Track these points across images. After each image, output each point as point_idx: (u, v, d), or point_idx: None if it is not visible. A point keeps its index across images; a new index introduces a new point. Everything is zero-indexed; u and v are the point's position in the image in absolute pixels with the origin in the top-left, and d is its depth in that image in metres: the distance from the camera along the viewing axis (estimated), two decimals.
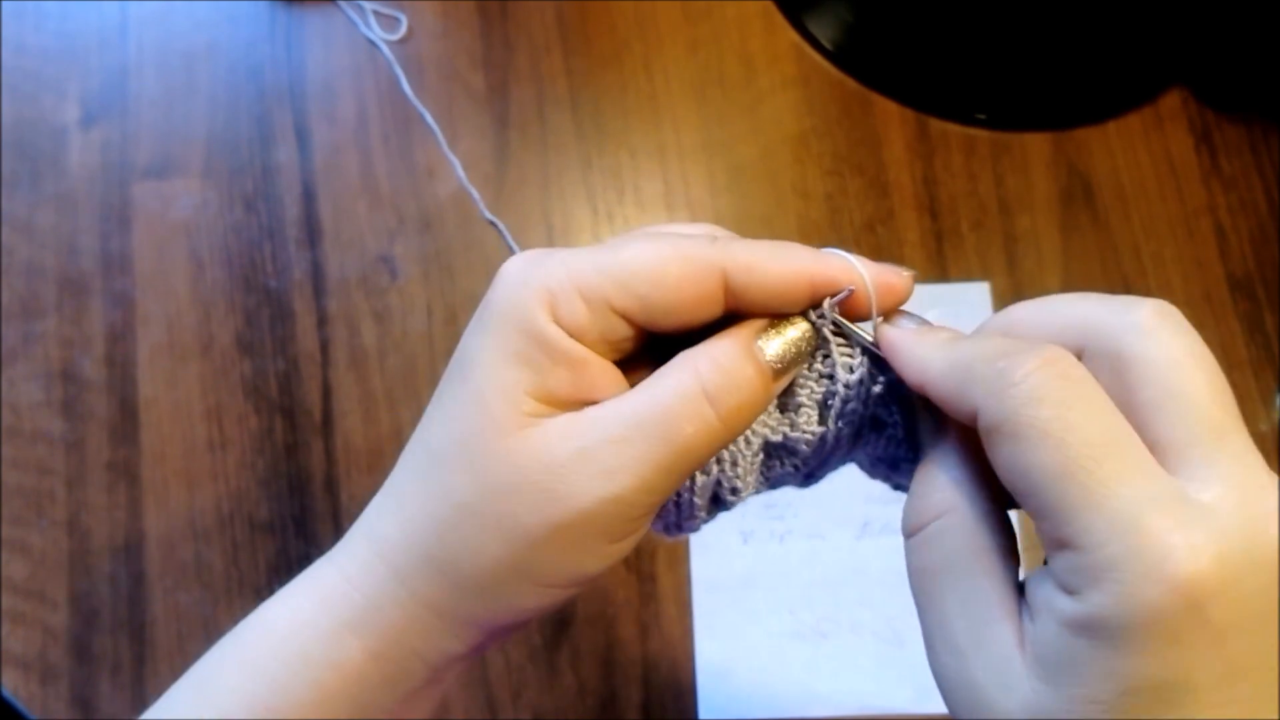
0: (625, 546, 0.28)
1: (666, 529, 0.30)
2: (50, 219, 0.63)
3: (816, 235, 0.63)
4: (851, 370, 0.28)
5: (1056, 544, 0.22)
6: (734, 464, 0.29)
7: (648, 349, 0.28)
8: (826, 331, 0.28)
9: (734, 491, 0.29)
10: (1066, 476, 0.22)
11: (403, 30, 0.66)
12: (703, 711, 0.55)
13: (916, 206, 0.64)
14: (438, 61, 0.66)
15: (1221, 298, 0.62)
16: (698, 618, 0.56)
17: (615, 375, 0.27)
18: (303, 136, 0.65)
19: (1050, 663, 0.22)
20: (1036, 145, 0.65)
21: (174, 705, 0.30)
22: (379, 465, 0.59)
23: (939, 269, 0.63)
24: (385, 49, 0.66)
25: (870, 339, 0.28)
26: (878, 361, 0.28)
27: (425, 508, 0.27)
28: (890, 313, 0.28)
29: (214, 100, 0.65)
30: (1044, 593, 0.23)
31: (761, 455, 0.30)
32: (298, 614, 0.28)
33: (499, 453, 0.26)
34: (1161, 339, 0.24)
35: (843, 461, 0.31)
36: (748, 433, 0.29)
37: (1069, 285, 0.62)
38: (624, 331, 0.26)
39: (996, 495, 0.25)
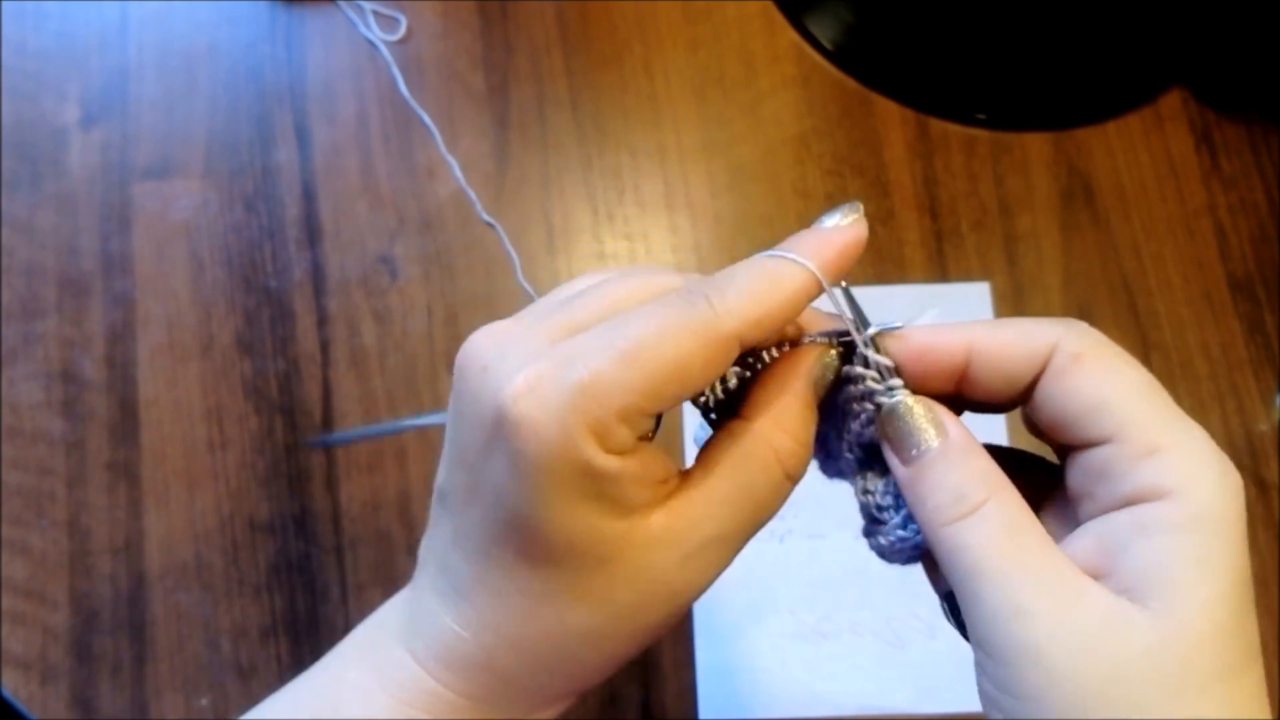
0: None
1: None
2: (50, 219, 0.63)
3: None
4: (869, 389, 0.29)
5: (1149, 448, 0.24)
6: None
7: None
8: (846, 347, 0.29)
9: None
10: (1154, 390, 0.25)
11: (402, 30, 0.66)
12: (703, 711, 0.55)
13: (916, 206, 0.64)
14: (437, 62, 0.66)
15: (1221, 298, 0.62)
16: (698, 618, 0.56)
17: (656, 453, 0.28)
18: (303, 137, 0.65)
19: (1167, 577, 0.23)
20: (1036, 145, 0.65)
21: None
22: (379, 465, 0.59)
23: (939, 269, 0.63)
24: (384, 49, 0.66)
25: (888, 363, 0.28)
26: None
27: (549, 641, 0.28)
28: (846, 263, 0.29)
29: (214, 100, 0.65)
30: (1125, 522, 0.25)
31: None
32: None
33: (613, 581, 0.27)
34: (1103, 340, 0.27)
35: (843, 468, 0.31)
36: None
37: (1069, 285, 0.62)
38: (654, 421, 0.27)
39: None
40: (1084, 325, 0.27)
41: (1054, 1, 0.67)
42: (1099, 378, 0.25)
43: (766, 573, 0.57)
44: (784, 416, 0.28)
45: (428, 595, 0.30)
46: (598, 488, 0.26)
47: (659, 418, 0.28)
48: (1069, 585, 0.24)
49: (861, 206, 0.29)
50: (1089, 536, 0.25)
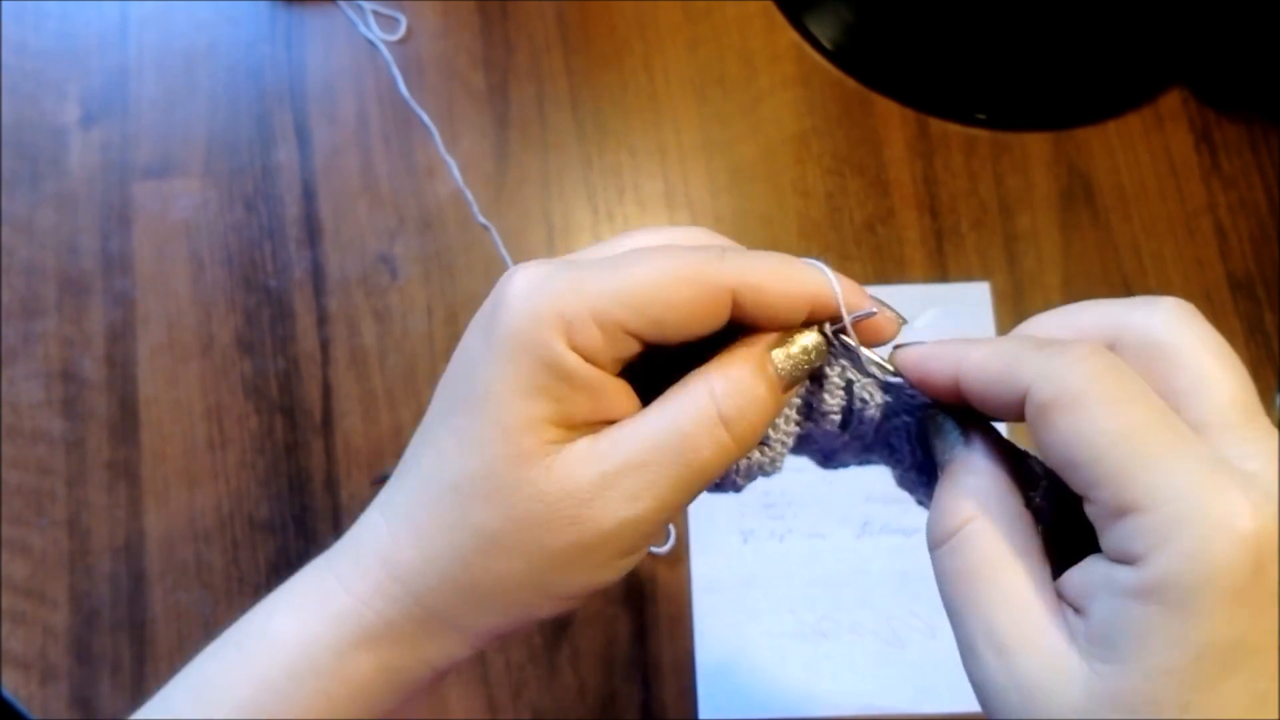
0: (638, 557, 0.29)
1: (709, 489, 0.32)
2: (50, 219, 0.63)
3: (817, 235, 0.63)
4: (870, 394, 0.29)
5: (1118, 510, 0.22)
6: (774, 457, 0.30)
7: (648, 354, 0.28)
8: (838, 344, 0.29)
9: (771, 468, 0.31)
10: (1129, 440, 0.23)
11: (402, 30, 0.66)
12: (703, 711, 0.55)
13: (917, 206, 0.64)
14: (437, 61, 0.66)
15: (1222, 297, 0.62)
16: (698, 618, 0.56)
17: (628, 392, 0.28)
18: (303, 136, 0.65)
19: (1114, 641, 0.22)
20: (1036, 145, 0.65)
21: (171, 710, 0.30)
22: (379, 465, 0.59)
23: (939, 268, 0.63)
24: (384, 49, 0.66)
25: (883, 362, 0.28)
26: (885, 385, 0.29)
27: (447, 537, 0.27)
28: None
29: (214, 100, 0.65)
30: (1098, 573, 0.23)
31: (794, 441, 0.31)
32: (304, 628, 0.29)
33: (524, 483, 0.26)
34: (1188, 330, 0.25)
35: (864, 459, 0.31)
36: (785, 426, 0.30)
37: (1069, 284, 0.62)
38: (634, 349, 0.27)
39: (1022, 502, 0.26)
40: (1071, 355, 0.24)
41: (1054, 1, 0.67)
42: (1065, 432, 0.23)
43: (766, 573, 0.57)
44: (728, 364, 0.27)
45: (372, 509, 0.30)
46: (549, 381, 0.26)
47: (644, 348, 0.27)
48: (1022, 630, 0.24)
49: (908, 322, 0.29)
50: (1080, 573, 0.24)
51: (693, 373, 0.27)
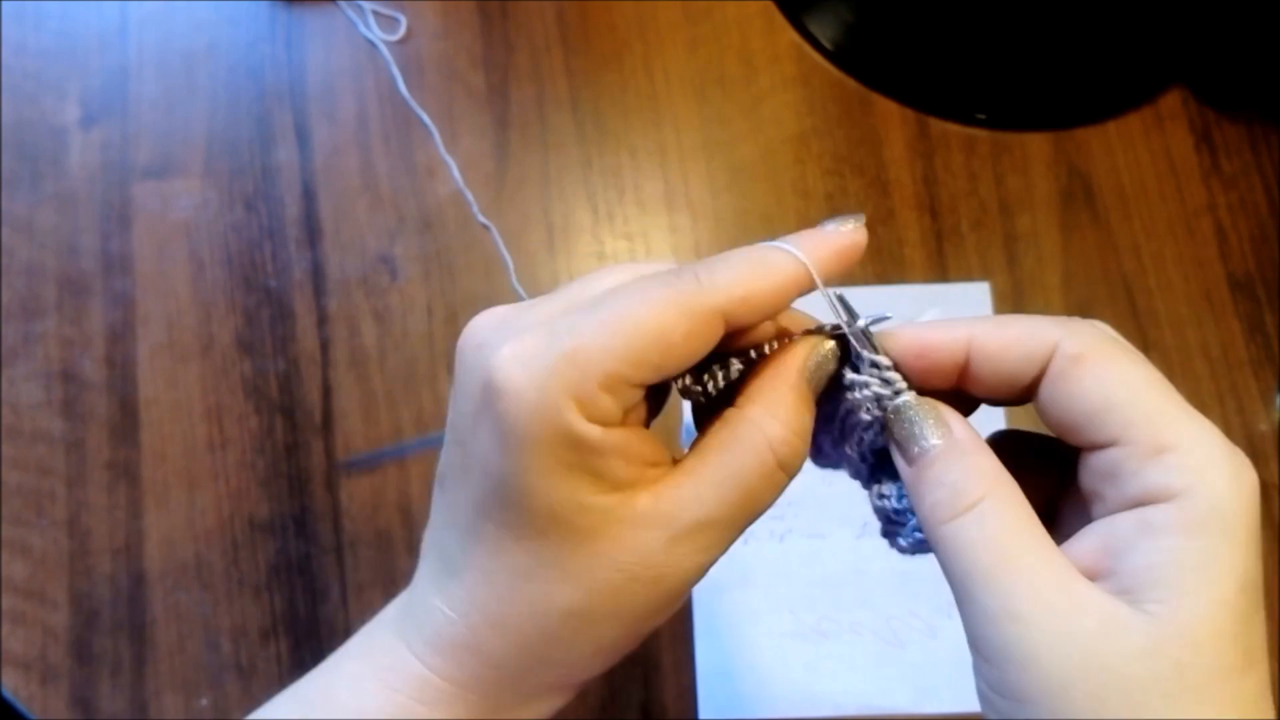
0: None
1: None
2: (50, 219, 0.63)
3: None
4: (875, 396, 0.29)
5: (1156, 449, 0.24)
6: None
7: None
8: (839, 341, 0.29)
9: None
10: (1161, 388, 0.25)
11: (402, 30, 0.66)
12: (703, 711, 0.55)
13: (917, 206, 0.64)
14: (437, 61, 0.66)
15: (1222, 297, 0.62)
16: (698, 618, 0.56)
17: (648, 436, 0.28)
18: (303, 136, 0.65)
19: (1168, 580, 0.23)
20: (1036, 145, 0.65)
21: None
22: (379, 466, 0.59)
23: (939, 269, 0.63)
24: (384, 49, 0.66)
25: (886, 361, 0.28)
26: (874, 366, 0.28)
27: (536, 624, 0.28)
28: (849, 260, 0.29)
29: (214, 100, 0.65)
30: (1126, 523, 0.24)
31: None
32: (406, 712, 0.29)
33: (597, 559, 0.27)
34: (1115, 338, 0.27)
35: (845, 459, 0.31)
36: None
37: (1069, 284, 0.62)
38: (639, 394, 0.27)
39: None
40: (1086, 324, 0.26)
41: (1054, 1, 0.67)
42: (1101, 379, 0.25)
43: (766, 573, 0.57)
44: (776, 405, 0.27)
45: (423, 582, 0.30)
46: (580, 458, 0.26)
47: (654, 401, 0.28)
48: (1063, 588, 0.24)
49: (864, 217, 0.29)
50: (1093, 537, 0.25)
51: (737, 410, 0.28)
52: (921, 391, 0.28)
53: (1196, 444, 0.24)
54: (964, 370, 0.27)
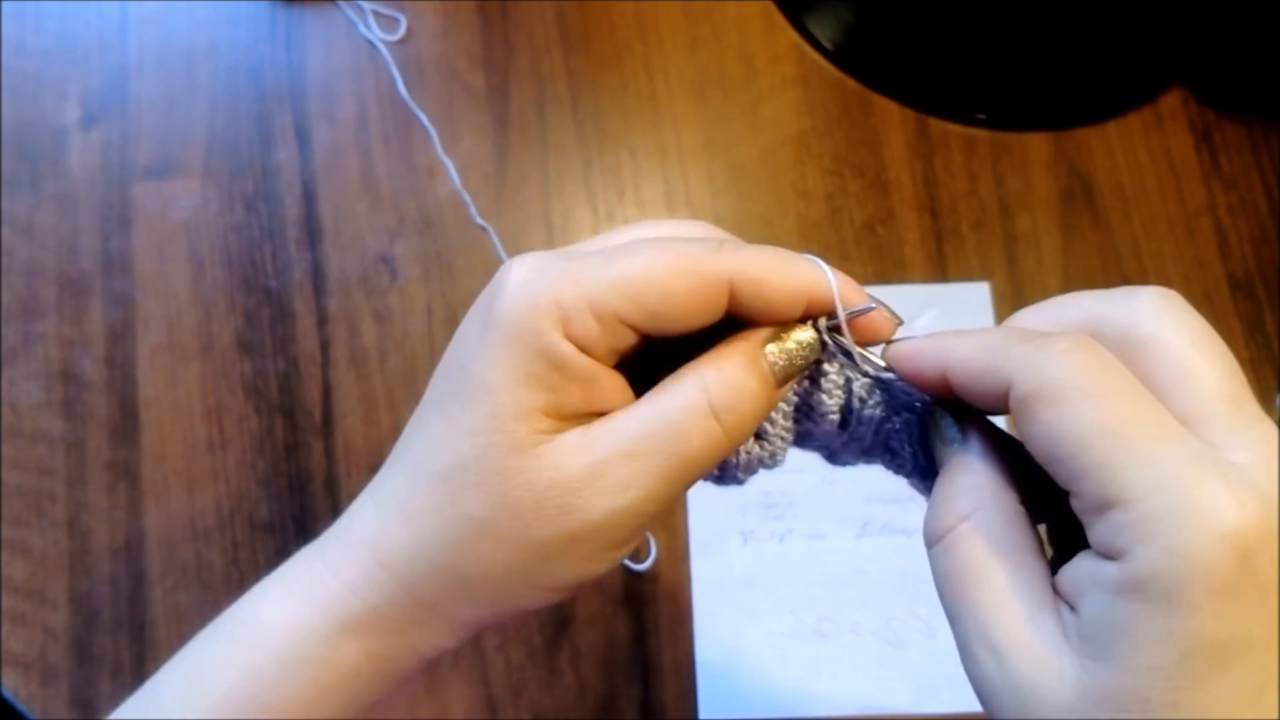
0: (627, 550, 0.28)
1: (711, 479, 0.31)
2: (50, 219, 0.63)
3: (817, 235, 0.63)
4: (868, 392, 0.29)
5: (1101, 505, 0.22)
6: (774, 451, 0.30)
7: (646, 348, 0.28)
8: (831, 341, 0.28)
9: (772, 461, 0.31)
10: (1112, 433, 0.22)
11: (402, 30, 0.66)
12: (703, 711, 0.55)
13: (917, 206, 0.64)
14: (437, 62, 0.66)
15: (1222, 298, 0.62)
16: (698, 618, 0.56)
17: (622, 384, 0.28)
18: (303, 136, 0.65)
19: (1103, 639, 0.22)
20: (1036, 145, 0.65)
21: (162, 698, 0.30)
22: (379, 465, 0.59)
23: (939, 269, 0.63)
24: (384, 49, 0.66)
25: (876, 359, 0.28)
26: (878, 381, 0.29)
27: (436, 524, 0.27)
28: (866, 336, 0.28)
29: (214, 100, 0.65)
30: (1086, 569, 0.23)
31: (793, 434, 0.31)
32: (293, 615, 0.29)
33: (514, 472, 0.26)
34: (1170, 320, 0.25)
35: (867, 459, 0.31)
36: (782, 420, 0.30)
37: (1069, 285, 0.62)
38: (630, 340, 0.27)
39: (1019, 498, 0.26)
40: (1055, 348, 0.24)
41: (1054, 1, 0.67)
42: (1048, 426, 0.23)
43: (766, 573, 0.57)
44: (721, 359, 0.27)
45: (364, 495, 0.30)
46: (543, 371, 0.26)
47: (641, 340, 0.27)
48: (1013, 630, 0.24)
49: (900, 323, 0.28)
50: (1072, 569, 0.24)
51: (686, 365, 0.27)
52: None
53: (1144, 497, 0.21)
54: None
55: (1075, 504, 0.23)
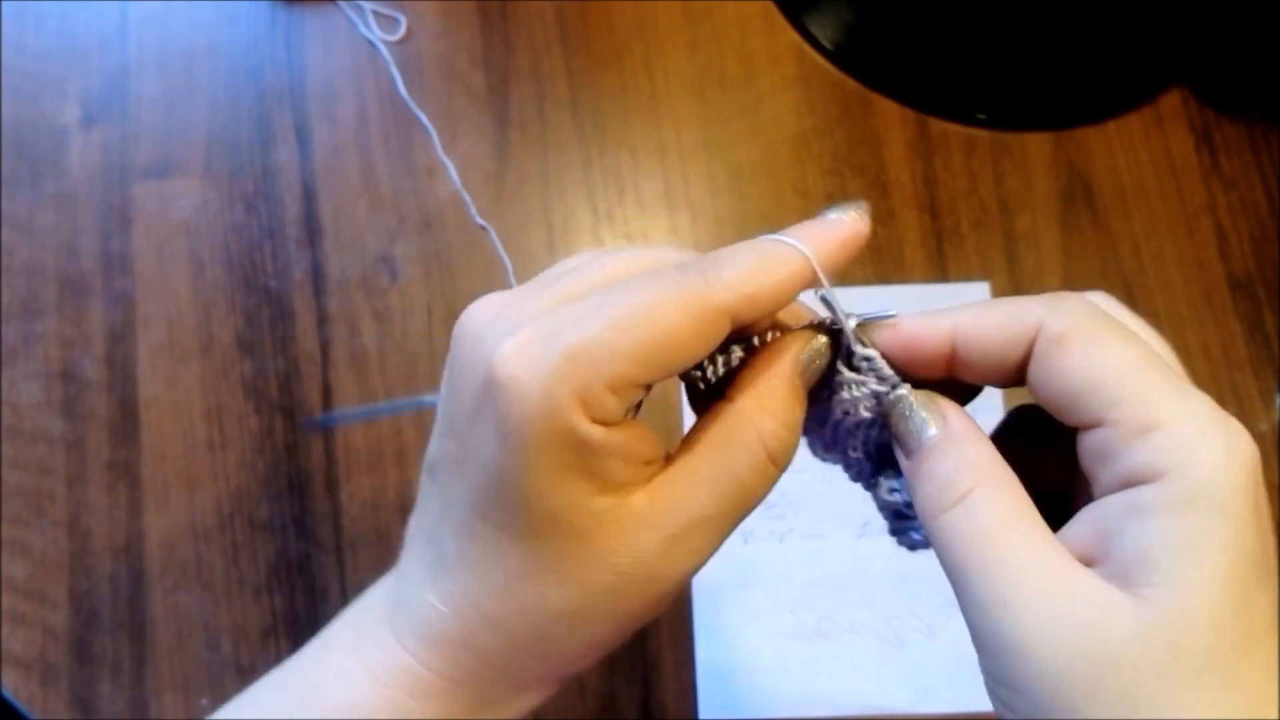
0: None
1: None
2: (50, 219, 0.63)
3: None
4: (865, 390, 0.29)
5: (1142, 427, 0.23)
6: None
7: None
8: (829, 332, 0.28)
9: None
10: (1148, 365, 0.24)
11: (402, 30, 0.66)
12: (703, 711, 0.55)
13: (917, 206, 0.64)
14: (437, 61, 0.66)
15: (1222, 298, 0.62)
16: (698, 618, 0.56)
17: (646, 433, 0.27)
18: (303, 137, 0.65)
19: (1159, 562, 0.23)
20: (1036, 145, 0.65)
21: None
22: (379, 465, 0.59)
23: (939, 269, 0.63)
24: (383, 49, 0.66)
25: (878, 357, 0.28)
26: (863, 359, 0.28)
27: (530, 621, 0.28)
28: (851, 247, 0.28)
29: (214, 100, 0.65)
30: (1115, 506, 0.24)
31: None
32: (398, 707, 0.29)
33: (593, 560, 0.27)
34: (1120, 311, 0.27)
35: (844, 459, 0.31)
36: None
37: (1069, 285, 0.62)
38: (642, 392, 0.26)
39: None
40: (1073, 300, 0.26)
41: (1054, 1, 0.67)
42: (1086, 358, 0.24)
43: (766, 573, 0.57)
44: (767, 398, 0.27)
45: (413, 572, 0.30)
46: (581, 459, 0.25)
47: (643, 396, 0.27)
48: (1054, 575, 0.24)
49: (866, 205, 0.29)
50: (1085, 521, 0.25)
51: (728, 405, 0.28)
52: (918, 383, 0.28)
53: (1183, 420, 0.23)
54: (952, 360, 0.27)
55: (1103, 434, 0.24)
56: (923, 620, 0.56)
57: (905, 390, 0.28)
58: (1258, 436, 0.58)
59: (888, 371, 0.28)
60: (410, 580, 0.30)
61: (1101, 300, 0.27)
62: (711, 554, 0.28)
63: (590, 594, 0.27)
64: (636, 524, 0.27)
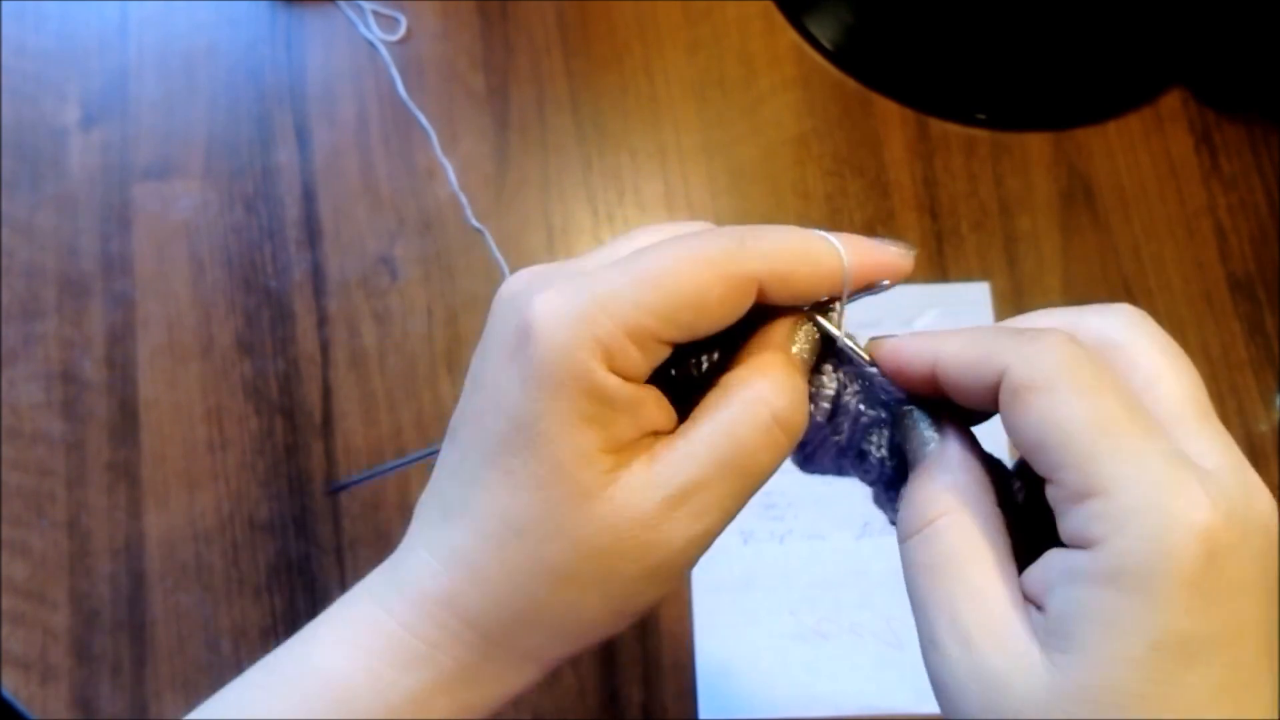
0: (694, 565, 0.29)
1: None
2: (50, 220, 0.63)
3: None
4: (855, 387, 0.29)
5: (1080, 494, 0.23)
6: None
7: None
8: (822, 331, 0.29)
9: None
10: (1098, 426, 0.23)
11: (402, 31, 0.66)
12: (703, 711, 0.55)
13: (917, 207, 0.64)
14: (437, 62, 0.66)
15: (1222, 298, 0.62)
16: (698, 618, 0.56)
17: (660, 399, 0.28)
18: (303, 137, 0.65)
19: (1073, 631, 0.22)
20: (1036, 145, 0.65)
21: None
22: (379, 465, 0.59)
23: (939, 269, 0.63)
24: (383, 50, 0.66)
25: (863, 353, 0.28)
26: (860, 375, 0.29)
27: (518, 580, 0.27)
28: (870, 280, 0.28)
29: (214, 101, 0.65)
30: (1056, 563, 0.23)
31: None
32: (375, 676, 0.28)
33: (590, 519, 0.26)
34: (1143, 332, 0.26)
35: (839, 464, 0.31)
36: None
37: (1069, 286, 0.62)
38: (665, 353, 0.27)
39: (996, 500, 0.26)
40: (1045, 342, 0.24)
41: (1054, 1, 0.67)
42: (1037, 414, 0.24)
43: (766, 573, 0.57)
44: (767, 365, 0.27)
45: (412, 538, 0.29)
46: (595, 408, 0.26)
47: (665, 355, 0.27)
48: (985, 621, 0.24)
49: (916, 250, 0.28)
50: (1041, 566, 0.24)
51: (729, 376, 0.27)
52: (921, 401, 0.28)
53: (1125, 489, 0.22)
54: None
55: (1052, 493, 0.24)
56: None
57: (911, 406, 0.28)
58: (1258, 437, 0.58)
59: (892, 389, 0.28)
60: (407, 545, 0.30)
61: (1132, 316, 0.26)
62: (712, 529, 0.27)
63: (582, 555, 0.26)
64: (636, 484, 0.26)
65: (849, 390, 0.29)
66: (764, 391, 0.27)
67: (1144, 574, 0.22)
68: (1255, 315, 0.62)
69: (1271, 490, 0.24)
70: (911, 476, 0.27)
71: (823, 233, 0.27)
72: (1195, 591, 0.21)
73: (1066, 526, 0.23)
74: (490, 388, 0.27)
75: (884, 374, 0.28)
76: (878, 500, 0.31)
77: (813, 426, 0.30)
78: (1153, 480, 0.22)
